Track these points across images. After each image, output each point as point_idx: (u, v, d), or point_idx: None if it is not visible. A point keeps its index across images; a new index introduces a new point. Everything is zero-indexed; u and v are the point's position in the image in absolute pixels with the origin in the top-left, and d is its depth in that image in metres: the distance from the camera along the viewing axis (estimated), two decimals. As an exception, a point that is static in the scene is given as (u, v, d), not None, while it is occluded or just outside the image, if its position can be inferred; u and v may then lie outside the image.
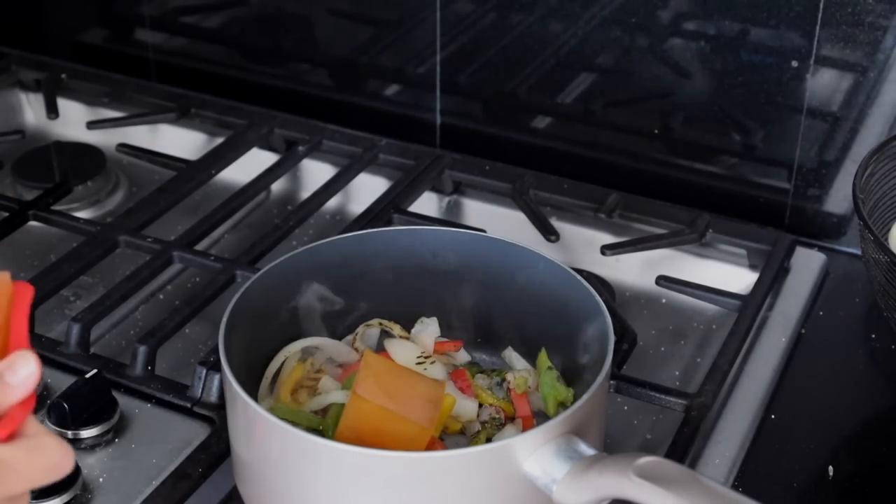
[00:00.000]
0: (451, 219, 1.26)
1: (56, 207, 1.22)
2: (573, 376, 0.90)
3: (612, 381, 0.96)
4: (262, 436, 0.79)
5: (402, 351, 0.93)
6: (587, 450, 0.76)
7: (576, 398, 0.81)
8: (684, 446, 0.92)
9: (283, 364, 0.92)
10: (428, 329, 0.96)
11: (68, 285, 1.10)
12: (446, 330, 0.97)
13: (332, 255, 0.93)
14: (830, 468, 0.93)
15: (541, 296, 0.92)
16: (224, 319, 0.84)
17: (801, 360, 1.05)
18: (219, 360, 0.82)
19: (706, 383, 0.97)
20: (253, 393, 0.91)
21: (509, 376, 0.92)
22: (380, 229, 0.97)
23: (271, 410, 0.88)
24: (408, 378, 0.85)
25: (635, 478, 0.71)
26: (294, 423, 0.83)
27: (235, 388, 0.79)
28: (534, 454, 0.76)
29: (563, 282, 0.90)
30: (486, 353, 0.97)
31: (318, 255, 0.93)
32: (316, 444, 0.77)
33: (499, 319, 0.96)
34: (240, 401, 0.79)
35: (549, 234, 1.16)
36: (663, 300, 1.14)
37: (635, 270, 1.17)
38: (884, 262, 0.96)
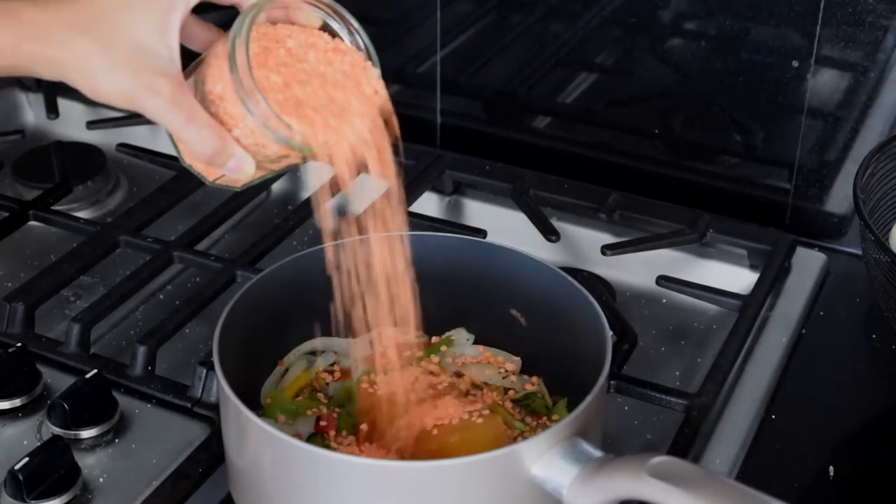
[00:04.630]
0: (451, 219, 1.26)
1: (56, 207, 1.22)
2: (573, 379, 0.90)
3: (612, 382, 0.96)
4: (255, 443, 0.79)
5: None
6: (594, 452, 0.76)
7: (576, 401, 0.81)
8: (685, 446, 0.92)
9: (289, 368, 0.93)
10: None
11: (68, 285, 1.10)
12: (439, 334, 0.97)
13: (321, 262, 0.93)
14: (830, 468, 0.93)
15: (534, 298, 0.92)
16: (219, 326, 0.84)
17: (801, 360, 1.05)
18: (218, 361, 0.82)
19: (706, 383, 0.97)
20: (254, 395, 0.91)
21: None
22: (367, 236, 0.96)
23: (268, 403, 0.88)
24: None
25: (649, 478, 0.71)
26: (290, 416, 0.83)
27: (228, 393, 0.79)
28: (541, 458, 0.75)
29: (555, 284, 0.90)
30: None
31: (307, 262, 0.92)
32: (310, 453, 0.76)
33: (494, 324, 0.96)
34: (232, 407, 0.79)
35: (550, 234, 1.16)
36: (664, 300, 1.14)
37: (636, 270, 1.17)
38: (884, 263, 0.96)
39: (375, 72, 0.82)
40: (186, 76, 0.78)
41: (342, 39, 0.82)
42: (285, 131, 0.75)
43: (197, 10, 0.79)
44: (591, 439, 0.78)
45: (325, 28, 0.82)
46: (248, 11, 0.77)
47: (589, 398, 0.78)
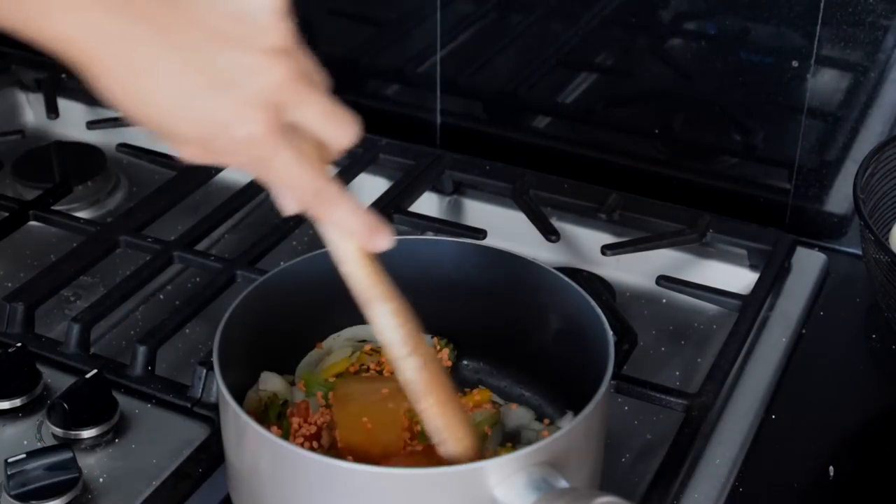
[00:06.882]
0: (451, 219, 1.26)
1: (56, 207, 1.22)
2: (573, 381, 0.89)
3: (612, 381, 0.96)
4: (253, 448, 0.79)
5: None
6: (560, 482, 0.74)
7: (579, 405, 0.80)
8: (685, 446, 0.92)
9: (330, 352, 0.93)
10: None
11: (68, 285, 1.10)
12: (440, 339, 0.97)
13: (322, 267, 0.92)
14: (831, 468, 0.93)
15: (534, 300, 0.92)
16: (219, 329, 0.83)
17: (801, 360, 1.05)
18: (219, 360, 0.82)
19: (707, 383, 0.97)
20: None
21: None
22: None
23: (305, 379, 0.88)
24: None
25: None
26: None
27: (228, 399, 0.78)
28: (505, 481, 0.74)
29: (555, 285, 0.90)
30: (482, 362, 0.97)
31: (311, 266, 0.91)
32: (307, 458, 0.76)
33: (496, 330, 0.96)
34: (231, 412, 0.79)
35: (550, 234, 1.16)
36: (664, 300, 1.14)
37: (636, 270, 1.17)
38: (884, 263, 0.96)
39: None
40: None
41: None
42: None
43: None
44: (572, 469, 0.76)
45: None
46: None
47: (567, 428, 0.77)
